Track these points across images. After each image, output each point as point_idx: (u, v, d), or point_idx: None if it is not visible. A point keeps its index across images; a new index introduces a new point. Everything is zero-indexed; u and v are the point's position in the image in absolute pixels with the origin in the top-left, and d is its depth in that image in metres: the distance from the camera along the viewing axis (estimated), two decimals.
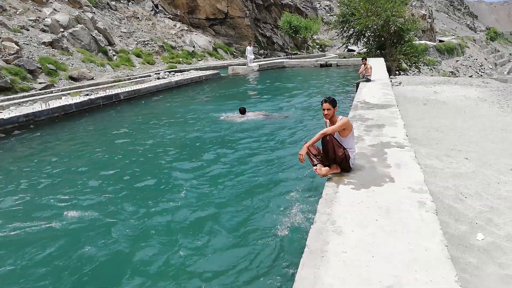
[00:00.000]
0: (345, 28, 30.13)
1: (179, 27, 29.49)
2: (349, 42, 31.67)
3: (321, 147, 4.50)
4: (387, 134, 6.28)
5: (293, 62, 28.19)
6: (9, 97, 12.62)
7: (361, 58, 15.81)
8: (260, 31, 36.71)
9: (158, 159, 7.43)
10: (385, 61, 21.98)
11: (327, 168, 4.39)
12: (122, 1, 27.71)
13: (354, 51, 36.70)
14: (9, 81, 13.17)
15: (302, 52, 39.62)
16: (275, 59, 31.03)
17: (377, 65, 18.68)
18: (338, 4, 36.50)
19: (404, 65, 29.77)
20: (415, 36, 33.70)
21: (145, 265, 3.93)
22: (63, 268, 3.91)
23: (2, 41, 14.90)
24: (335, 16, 35.53)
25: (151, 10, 29.10)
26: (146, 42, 24.87)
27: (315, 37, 45.96)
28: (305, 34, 36.73)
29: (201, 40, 29.89)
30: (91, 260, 4.04)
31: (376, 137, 6.12)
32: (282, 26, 35.27)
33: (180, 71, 22.02)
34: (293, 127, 9.56)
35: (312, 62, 27.63)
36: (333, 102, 4.43)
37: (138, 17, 27.26)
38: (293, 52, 38.13)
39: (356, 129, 6.75)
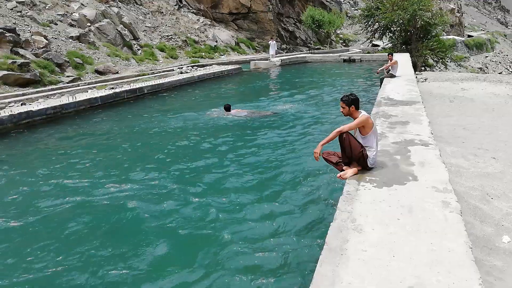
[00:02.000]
0: (369, 23, 29.52)
1: (202, 22, 29.65)
2: (374, 37, 31.06)
3: (339, 151, 4.46)
4: (411, 132, 6.15)
5: (316, 57, 27.91)
6: (38, 89, 13.02)
7: (387, 54, 15.49)
8: (283, 25, 36.49)
9: (178, 150, 7.54)
10: (411, 56, 21.45)
11: (354, 169, 4.33)
12: None
13: (378, 46, 35.99)
14: (38, 74, 13.58)
15: (325, 47, 39.17)
16: (298, 54, 30.80)
17: (402, 60, 18.26)
18: None
19: (430, 61, 28.94)
20: (443, 31, 32.68)
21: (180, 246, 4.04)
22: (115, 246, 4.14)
23: (32, 35, 15.37)
24: (359, 10, 34.90)
25: (175, 5, 29.36)
26: (170, 36, 25.14)
27: (338, 32, 45.36)
28: (328, 29, 36.28)
29: (223, 34, 29.97)
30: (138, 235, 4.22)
31: (399, 135, 6.00)
32: (305, 20, 34.92)
33: (203, 65, 22.19)
34: (309, 122, 9.50)
35: (335, 57, 27.29)
36: (347, 101, 4.37)
37: (163, 12, 27.56)
38: (316, 47, 37.75)
39: (379, 126, 6.63)
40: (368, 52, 32.25)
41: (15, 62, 13.04)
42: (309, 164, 6.41)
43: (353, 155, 4.29)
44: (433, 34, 26.82)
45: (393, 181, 4.11)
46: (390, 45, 29.33)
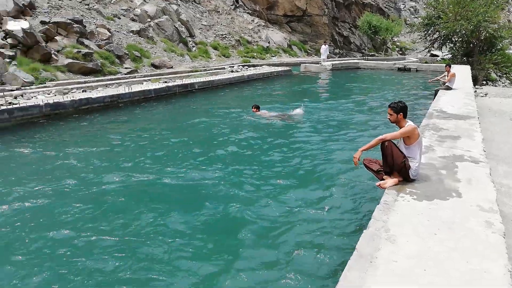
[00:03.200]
0: (429, 32, 28.35)
1: (256, 23, 29.99)
2: (433, 47, 29.78)
3: (381, 159, 4.39)
4: (461, 147, 5.90)
5: (369, 63, 27.27)
6: (98, 78, 13.87)
7: (444, 65, 14.79)
8: (338, 30, 35.98)
9: (220, 145, 7.78)
10: (471, 69, 20.35)
11: (394, 180, 4.26)
12: None
13: (437, 56, 34.39)
14: (99, 64, 14.46)
15: (380, 54, 38.11)
16: (350, 59, 30.26)
17: (461, 72, 17.39)
18: (424, 6, 34.44)
19: (493, 75, 27.23)
20: (510, 44, 30.63)
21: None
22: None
23: (96, 27, 16.39)
24: (419, 18, 33.59)
25: (231, 5, 29.92)
26: (224, 35, 25.69)
27: (395, 39, 43.93)
28: (385, 36, 35.24)
29: (276, 36, 30.11)
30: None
31: (449, 149, 5.78)
32: (361, 26, 34.18)
33: (253, 65, 22.46)
34: (352, 128, 9.36)
35: (389, 65, 26.48)
36: (395, 108, 4.30)
37: (219, 11, 28.21)
38: (370, 53, 36.84)
39: (428, 138, 6.43)
40: (426, 62, 30.92)
41: (80, 51, 13.98)
42: (347, 170, 6.33)
43: (395, 165, 4.21)
44: (498, 47, 25.24)
45: (435, 195, 3.99)
46: (449, 56, 27.99)
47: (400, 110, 4.32)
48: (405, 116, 4.39)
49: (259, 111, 10.50)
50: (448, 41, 27.38)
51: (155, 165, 6.49)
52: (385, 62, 28.31)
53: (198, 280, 3.58)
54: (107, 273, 3.64)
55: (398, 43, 45.56)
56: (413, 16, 54.14)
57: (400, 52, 43.79)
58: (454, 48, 27.25)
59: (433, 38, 28.56)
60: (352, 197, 5.32)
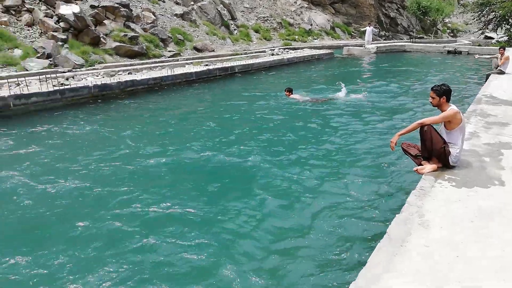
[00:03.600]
0: (484, 12, 26.57)
1: (299, 4, 29.44)
2: (487, 28, 27.90)
3: (420, 144, 4.29)
4: (509, 134, 5.62)
5: (416, 46, 26.07)
6: (143, 61, 14.34)
7: (498, 48, 13.85)
8: (384, 11, 34.54)
9: (257, 127, 7.87)
10: None
11: (433, 166, 4.17)
12: None
13: (492, 38, 32.17)
14: (144, 47, 14.91)
15: (429, 36, 36.22)
16: (396, 42, 29.06)
17: None
18: None
19: None
20: None
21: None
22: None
23: (142, 11, 16.84)
24: None
25: None
26: (266, 18, 25.49)
27: (446, 20, 41.54)
28: (435, 17, 33.42)
29: (319, 18, 29.45)
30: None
31: (495, 136, 5.53)
32: (410, 6, 32.62)
33: (294, 48, 22.20)
34: (391, 112, 9.10)
35: (438, 47, 25.20)
36: (438, 91, 4.14)
37: None
38: (418, 36, 35.12)
39: (473, 124, 6.18)
40: (479, 45, 29.04)
41: (127, 35, 14.48)
42: (384, 154, 6.21)
43: (434, 150, 4.10)
44: None
45: (475, 182, 3.87)
46: (505, 38, 26.15)
47: (443, 93, 4.16)
48: (448, 100, 4.22)
49: (292, 94, 10.46)
50: (505, 22, 25.54)
51: (196, 145, 6.72)
52: (434, 44, 26.94)
53: (233, 245, 3.77)
54: (153, 245, 3.86)
55: (449, 25, 43.07)
56: None
57: (451, 34, 41.41)
58: (511, 30, 25.38)
59: (488, 19, 26.79)
60: (387, 181, 5.23)
